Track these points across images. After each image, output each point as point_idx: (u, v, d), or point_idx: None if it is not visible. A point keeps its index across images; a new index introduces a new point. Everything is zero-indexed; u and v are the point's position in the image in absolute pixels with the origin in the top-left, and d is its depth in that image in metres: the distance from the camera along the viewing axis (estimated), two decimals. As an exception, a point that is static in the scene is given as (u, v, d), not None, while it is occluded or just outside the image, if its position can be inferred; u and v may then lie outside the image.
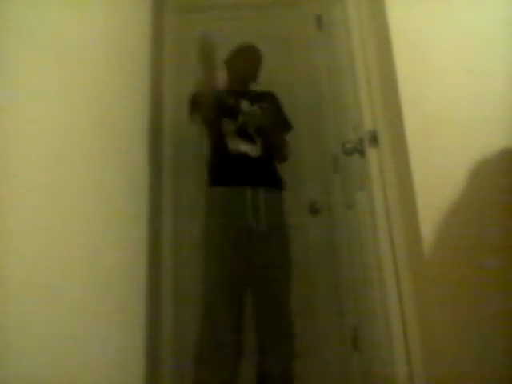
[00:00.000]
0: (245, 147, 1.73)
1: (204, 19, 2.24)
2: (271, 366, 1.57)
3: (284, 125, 1.92)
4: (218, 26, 2.10)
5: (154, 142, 1.80)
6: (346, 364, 1.83)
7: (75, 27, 0.95)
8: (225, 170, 1.73)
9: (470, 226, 1.14)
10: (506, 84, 1.23)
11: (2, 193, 0.64)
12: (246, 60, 1.92)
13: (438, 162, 1.18)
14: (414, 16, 1.30)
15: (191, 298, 1.82)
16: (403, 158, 1.22)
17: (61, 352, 0.80)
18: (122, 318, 1.23)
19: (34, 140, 0.74)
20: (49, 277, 0.76)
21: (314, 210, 2.03)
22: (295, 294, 1.70)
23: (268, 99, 1.91)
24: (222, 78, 1.91)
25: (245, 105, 1.82)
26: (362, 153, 1.46)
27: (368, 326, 1.58)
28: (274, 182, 1.78)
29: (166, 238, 1.90)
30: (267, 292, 1.61)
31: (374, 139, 1.40)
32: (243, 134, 1.74)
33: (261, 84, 1.97)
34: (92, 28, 1.07)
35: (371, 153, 1.40)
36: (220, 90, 1.86)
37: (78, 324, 0.89)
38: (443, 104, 1.23)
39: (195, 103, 1.79)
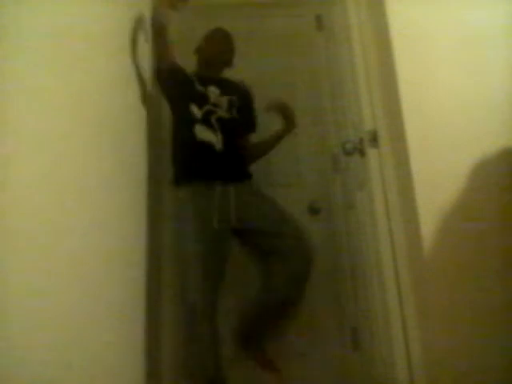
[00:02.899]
0: (210, 137, 1.64)
1: (204, 19, 2.24)
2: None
3: (249, 125, 1.84)
4: (218, 25, 2.10)
5: (154, 143, 1.80)
6: (346, 364, 1.83)
7: (74, 26, 0.95)
8: (192, 160, 1.65)
9: (470, 225, 1.14)
10: (506, 84, 1.23)
11: (1, 194, 0.64)
12: (219, 43, 1.83)
13: (438, 162, 1.18)
14: (414, 16, 1.30)
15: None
16: (403, 158, 1.22)
17: (60, 352, 0.80)
18: (121, 318, 1.23)
19: (33, 141, 0.74)
20: (48, 278, 0.76)
21: (314, 210, 2.03)
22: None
23: (240, 93, 1.82)
24: (192, 65, 1.84)
25: (213, 93, 1.73)
26: (362, 153, 1.46)
27: (368, 326, 1.58)
28: (242, 174, 1.70)
29: (165, 237, 1.90)
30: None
31: (374, 139, 1.40)
32: (208, 124, 1.66)
33: (264, 83, 1.94)
34: (91, 27, 1.07)
35: (371, 153, 1.40)
36: (189, 73, 1.79)
37: (77, 325, 0.89)
38: (443, 104, 1.23)
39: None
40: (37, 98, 0.76)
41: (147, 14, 1.79)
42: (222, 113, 1.71)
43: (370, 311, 1.52)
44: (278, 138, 1.81)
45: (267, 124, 1.87)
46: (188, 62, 2.04)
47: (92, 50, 1.06)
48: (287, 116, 1.76)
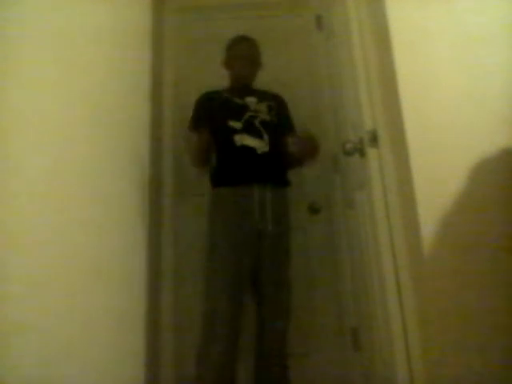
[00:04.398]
0: (252, 142, 1.70)
1: (204, 19, 2.24)
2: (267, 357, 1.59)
3: (288, 129, 1.90)
4: (217, 25, 2.11)
5: (155, 143, 1.80)
6: (346, 364, 1.83)
7: (75, 27, 0.95)
8: (231, 165, 1.70)
9: (470, 226, 1.14)
10: (506, 84, 1.23)
11: (1, 196, 0.64)
12: (245, 53, 1.88)
13: (438, 162, 1.18)
14: (414, 16, 1.30)
15: (192, 299, 1.82)
16: (403, 158, 1.22)
17: (60, 354, 0.80)
18: (121, 320, 1.23)
19: (33, 142, 0.74)
20: (48, 279, 0.76)
21: (314, 210, 2.03)
22: (295, 294, 1.69)
23: (276, 100, 1.91)
24: (224, 77, 1.90)
25: (251, 101, 1.81)
26: (362, 153, 1.46)
27: (368, 327, 1.58)
28: (281, 180, 1.76)
29: (166, 240, 1.90)
30: (272, 294, 1.62)
31: (374, 139, 1.40)
32: (250, 130, 1.72)
33: (264, 83, 1.96)
34: (92, 28, 1.06)
35: (371, 153, 1.40)
36: (224, 89, 1.87)
37: (77, 327, 0.88)
38: (443, 104, 1.23)
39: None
40: (39, 97, 0.76)
41: (146, 13, 1.80)
42: (264, 116, 1.78)
43: (370, 311, 1.52)
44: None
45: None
46: (188, 62, 2.05)
47: (94, 49, 1.06)
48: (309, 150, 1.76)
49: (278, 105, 1.89)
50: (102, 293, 1.04)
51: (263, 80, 2.00)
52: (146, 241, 1.57)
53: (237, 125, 1.72)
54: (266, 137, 1.72)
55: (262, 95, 1.88)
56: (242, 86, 1.88)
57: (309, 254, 1.99)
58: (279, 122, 1.83)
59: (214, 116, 1.77)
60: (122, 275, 1.25)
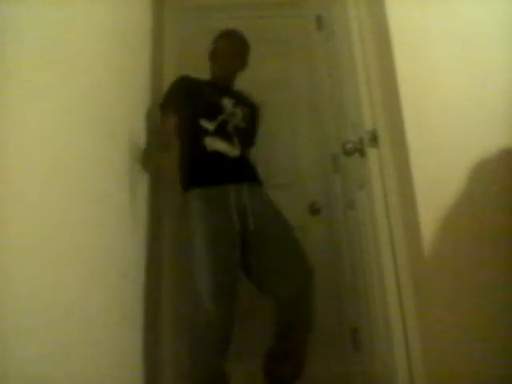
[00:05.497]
0: (222, 146, 1.65)
1: (204, 19, 2.24)
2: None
3: (253, 139, 1.88)
4: (217, 25, 2.10)
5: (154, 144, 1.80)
6: (345, 364, 1.83)
7: (75, 26, 0.95)
8: (202, 169, 1.64)
9: (470, 225, 1.14)
10: (506, 84, 1.23)
11: (1, 196, 0.64)
12: (227, 50, 1.82)
13: (438, 162, 1.18)
14: (413, 16, 1.30)
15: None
16: (403, 158, 1.22)
17: (60, 354, 0.80)
18: (121, 320, 1.23)
19: (33, 142, 0.74)
20: (47, 279, 0.76)
21: (314, 210, 2.03)
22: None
23: (251, 109, 1.85)
24: (207, 68, 1.85)
25: (228, 103, 1.75)
26: (362, 153, 1.46)
27: (368, 327, 1.58)
28: (255, 178, 1.71)
29: (165, 239, 1.89)
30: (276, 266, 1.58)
31: (374, 139, 1.40)
32: (222, 134, 1.67)
33: (263, 83, 1.95)
34: (91, 27, 1.06)
35: (371, 153, 1.40)
36: (202, 82, 1.80)
37: (77, 327, 0.88)
38: (443, 104, 1.23)
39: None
40: (38, 97, 0.76)
41: (147, 12, 1.79)
42: (238, 122, 1.74)
43: (370, 311, 1.52)
44: None
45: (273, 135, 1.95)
46: (187, 61, 2.04)
47: (93, 48, 1.06)
48: None
49: (251, 115, 1.83)
50: (102, 292, 1.04)
51: (263, 80, 2.00)
52: (145, 239, 1.57)
53: (209, 126, 1.66)
54: (236, 141, 1.68)
55: (240, 98, 1.81)
56: (222, 83, 1.82)
57: (309, 254, 1.99)
58: (251, 130, 1.81)
59: (186, 107, 1.69)
60: (122, 274, 1.25)
